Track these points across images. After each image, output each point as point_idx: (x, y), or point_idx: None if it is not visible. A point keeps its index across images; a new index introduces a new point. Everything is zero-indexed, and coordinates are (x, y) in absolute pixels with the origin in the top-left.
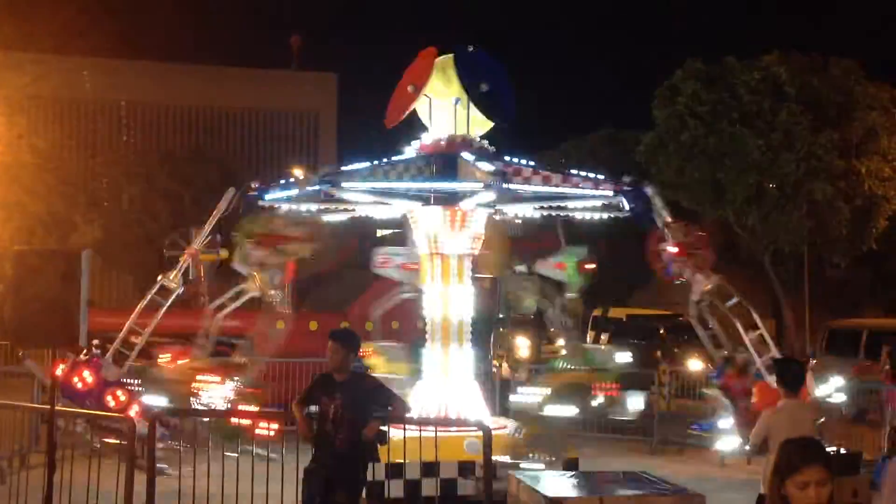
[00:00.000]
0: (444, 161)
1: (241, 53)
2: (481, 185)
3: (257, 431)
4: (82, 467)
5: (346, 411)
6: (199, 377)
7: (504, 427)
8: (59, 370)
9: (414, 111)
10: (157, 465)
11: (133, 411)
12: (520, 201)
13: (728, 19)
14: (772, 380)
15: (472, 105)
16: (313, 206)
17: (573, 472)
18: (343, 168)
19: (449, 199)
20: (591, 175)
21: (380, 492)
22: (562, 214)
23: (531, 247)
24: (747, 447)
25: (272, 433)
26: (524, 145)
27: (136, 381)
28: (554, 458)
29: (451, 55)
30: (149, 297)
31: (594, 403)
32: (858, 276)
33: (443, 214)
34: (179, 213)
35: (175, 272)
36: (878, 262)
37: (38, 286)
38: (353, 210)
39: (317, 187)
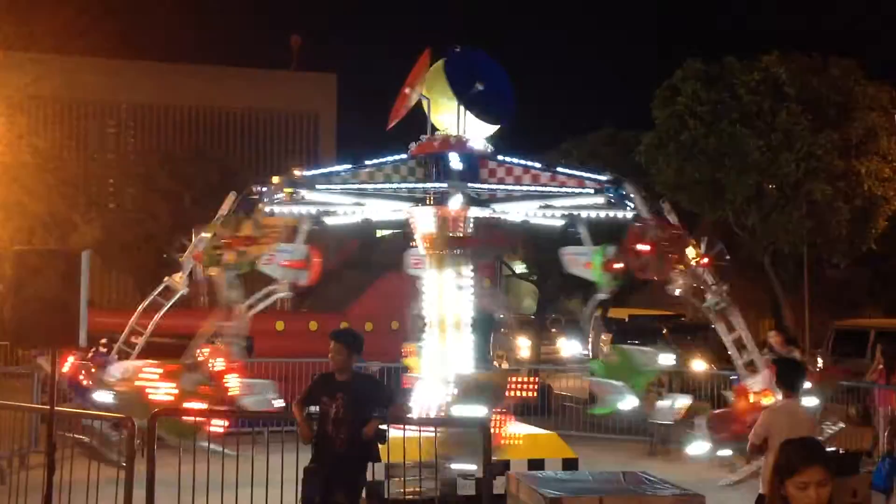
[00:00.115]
0: (433, 161)
1: (241, 53)
2: (446, 185)
3: (210, 429)
4: (82, 467)
5: (347, 411)
6: (143, 375)
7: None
8: (67, 367)
9: (423, 113)
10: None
11: None
12: (512, 200)
13: (728, 19)
14: (751, 381)
15: (467, 106)
16: (312, 209)
17: (573, 472)
18: (322, 170)
19: (441, 200)
20: (572, 171)
21: (380, 492)
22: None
23: (475, 244)
24: (719, 452)
25: (222, 430)
26: (524, 145)
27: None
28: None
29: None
30: (152, 297)
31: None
32: (858, 277)
33: (436, 215)
34: (179, 214)
35: (181, 274)
36: (878, 263)
37: (38, 286)
38: (353, 213)
39: (290, 190)
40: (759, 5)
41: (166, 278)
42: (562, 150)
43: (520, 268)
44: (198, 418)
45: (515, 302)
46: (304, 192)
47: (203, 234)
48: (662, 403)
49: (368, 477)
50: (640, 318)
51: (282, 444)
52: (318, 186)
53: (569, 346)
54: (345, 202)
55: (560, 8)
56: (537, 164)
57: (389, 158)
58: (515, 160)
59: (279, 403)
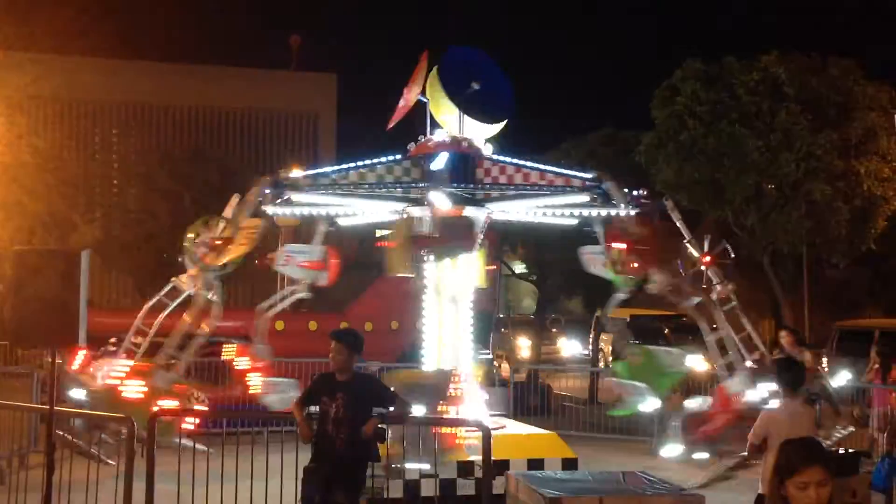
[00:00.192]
0: (427, 162)
1: (241, 53)
2: (424, 185)
3: (183, 426)
4: (81, 467)
5: (347, 411)
6: (114, 373)
7: (503, 427)
8: (78, 362)
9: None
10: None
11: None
12: (507, 200)
13: (728, 19)
14: (730, 383)
15: (462, 107)
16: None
17: (573, 472)
18: (316, 170)
19: (419, 201)
20: (559, 170)
21: (380, 492)
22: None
23: (436, 243)
24: (694, 455)
25: (193, 427)
26: (525, 145)
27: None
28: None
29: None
30: (158, 297)
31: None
32: (857, 277)
33: (431, 215)
34: (179, 213)
35: (188, 274)
36: (878, 263)
37: (38, 286)
38: (363, 213)
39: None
40: (758, 5)
41: (174, 279)
42: (562, 150)
43: (520, 268)
44: (175, 415)
45: (515, 302)
46: (302, 193)
47: (189, 235)
48: (690, 403)
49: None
50: (642, 317)
51: (281, 444)
52: (308, 187)
53: (569, 346)
54: (346, 202)
55: (560, 8)
56: (527, 164)
57: (383, 159)
58: (508, 159)
59: None
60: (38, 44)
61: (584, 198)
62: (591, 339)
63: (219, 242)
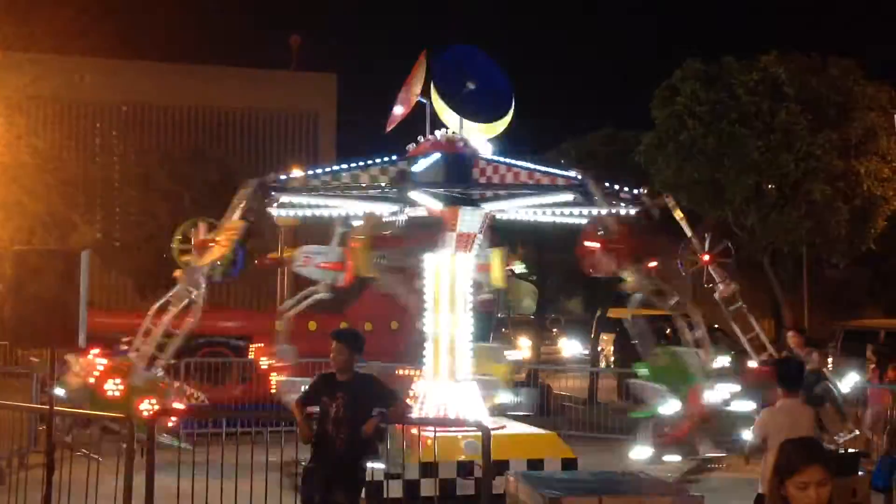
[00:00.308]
0: (409, 164)
1: (241, 53)
2: (387, 184)
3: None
4: (81, 467)
5: (347, 411)
6: (91, 370)
7: (503, 427)
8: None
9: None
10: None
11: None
12: (500, 200)
13: (727, 19)
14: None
15: (457, 108)
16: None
17: (572, 472)
18: (294, 174)
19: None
20: (546, 169)
21: (379, 492)
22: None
23: (396, 244)
24: (664, 457)
25: (171, 423)
26: (524, 146)
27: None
28: None
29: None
30: (167, 297)
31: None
32: (857, 277)
33: (429, 214)
34: (179, 214)
35: (201, 266)
36: (877, 263)
37: (38, 286)
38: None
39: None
40: (758, 5)
41: (180, 279)
42: (561, 150)
43: (520, 268)
44: (153, 412)
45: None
46: (290, 195)
47: (177, 236)
48: (663, 405)
49: (368, 477)
50: (644, 317)
51: (281, 444)
52: (296, 190)
53: (569, 346)
54: (344, 203)
55: (560, 8)
56: (517, 163)
57: (377, 160)
58: (499, 159)
59: None
60: (38, 44)
61: (570, 196)
62: (591, 339)
63: (210, 244)
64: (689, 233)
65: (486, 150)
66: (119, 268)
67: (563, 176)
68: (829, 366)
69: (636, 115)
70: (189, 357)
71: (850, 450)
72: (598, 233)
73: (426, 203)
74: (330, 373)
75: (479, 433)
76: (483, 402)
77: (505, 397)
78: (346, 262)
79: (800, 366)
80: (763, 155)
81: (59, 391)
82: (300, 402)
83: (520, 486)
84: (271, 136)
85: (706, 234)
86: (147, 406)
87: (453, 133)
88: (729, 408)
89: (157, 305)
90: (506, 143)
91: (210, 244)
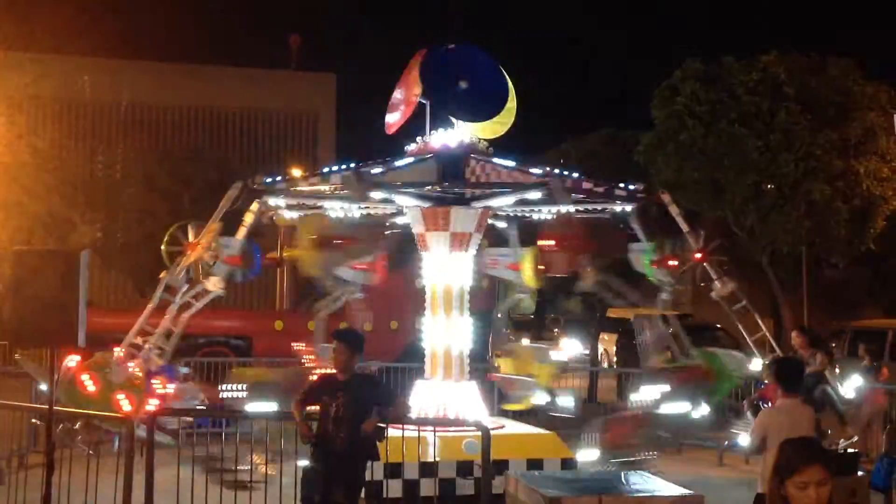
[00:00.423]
0: (387, 164)
1: (241, 53)
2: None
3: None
4: (81, 467)
5: (347, 410)
6: (68, 365)
7: (502, 427)
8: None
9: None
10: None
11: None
12: (489, 198)
13: (727, 19)
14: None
15: (448, 109)
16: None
17: (572, 472)
18: (279, 178)
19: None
20: (521, 168)
21: (378, 492)
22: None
23: (345, 244)
24: (611, 459)
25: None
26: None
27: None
28: None
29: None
30: (185, 298)
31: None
32: (857, 277)
33: (422, 214)
34: (179, 213)
35: (218, 277)
36: (877, 263)
37: (38, 286)
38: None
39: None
40: (758, 5)
41: (203, 280)
42: (561, 151)
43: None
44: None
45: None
46: (276, 197)
47: (222, 239)
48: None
49: (367, 477)
50: (646, 317)
51: (281, 444)
52: (281, 193)
53: (569, 346)
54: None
55: (560, 8)
56: (502, 162)
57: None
58: (489, 158)
59: None
60: (38, 44)
61: (538, 194)
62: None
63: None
64: (685, 228)
65: (482, 149)
66: (119, 267)
67: (533, 174)
68: (837, 368)
69: (636, 115)
70: (189, 357)
71: (850, 450)
72: (554, 231)
73: (407, 203)
74: (330, 372)
75: (479, 433)
76: (520, 404)
77: (541, 398)
78: (377, 262)
79: (799, 365)
80: (763, 155)
81: (43, 387)
82: (300, 402)
83: (520, 486)
84: (271, 136)
85: (700, 231)
86: (124, 401)
87: (451, 132)
88: (659, 409)
89: (176, 305)
90: (505, 143)
91: (194, 246)
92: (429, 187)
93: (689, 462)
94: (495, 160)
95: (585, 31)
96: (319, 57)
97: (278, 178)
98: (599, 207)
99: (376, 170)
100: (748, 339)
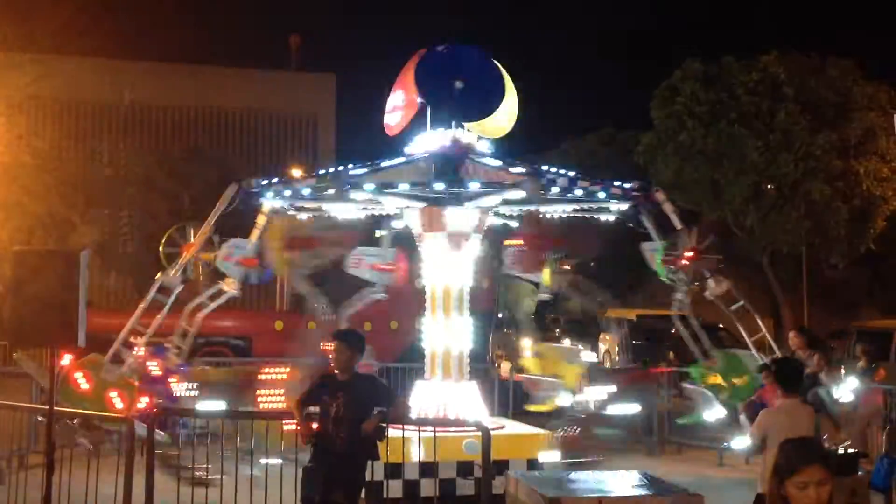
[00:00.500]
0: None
1: (241, 53)
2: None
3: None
4: (81, 467)
5: (347, 410)
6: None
7: (502, 427)
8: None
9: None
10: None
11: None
12: (480, 197)
13: (727, 19)
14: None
15: (443, 109)
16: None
17: (572, 472)
18: (275, 180)
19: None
20: (502, 166)
21: (378, 492)
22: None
23: (312, 244)
24: (568, 460)
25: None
26: (524, 145)
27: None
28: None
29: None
30: (201, 298)
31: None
32: (856, 277)
33: (419, 214)
34: (179, 213)
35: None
36: (877, 263)
37: (38, 286)
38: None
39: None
40: (757, 5)
41: (219, 282)
42: (561, 151)
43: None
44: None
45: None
46: (270, 200)
47: (233, 241)
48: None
49: (367, 477)
50: (648, 317)
51: (281, 443)
52: (275, 195)
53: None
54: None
55: (560, 8)
56: (489, 161)
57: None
58: (484, 159)
59: None
60: (38, 44)
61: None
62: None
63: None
64: (678, 226)
65: (480, 148)
66: (119, 268)
67: (513, 173)
68: (843, 369)
69: (636, 115)
70: (189, 357)
71: (850, 450)
72: (523, 230)
73: (399, 204)
74: (330, 372)
75: (479, 433)
76: (544, 405)
77: (566, 400)
78: (398, 263)
79: (799, 366)
80: (762, 155)
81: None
82: (300, 402)
83: (520, 486)
84: (271, 136)
85: (693, 229)
86: (116, 399)
87: (450, 131)
88: (606, 410)
89: (191, 305)
90: (505, 143)
91: (189, 247)
92: (405, 185)
93: (689, 462)
94: (484, 160)
95: (585, 31)
96: (319, 57)
97: (274, 181)
98: (597, 207)
99: (356, 171)
100: (748, 340)
